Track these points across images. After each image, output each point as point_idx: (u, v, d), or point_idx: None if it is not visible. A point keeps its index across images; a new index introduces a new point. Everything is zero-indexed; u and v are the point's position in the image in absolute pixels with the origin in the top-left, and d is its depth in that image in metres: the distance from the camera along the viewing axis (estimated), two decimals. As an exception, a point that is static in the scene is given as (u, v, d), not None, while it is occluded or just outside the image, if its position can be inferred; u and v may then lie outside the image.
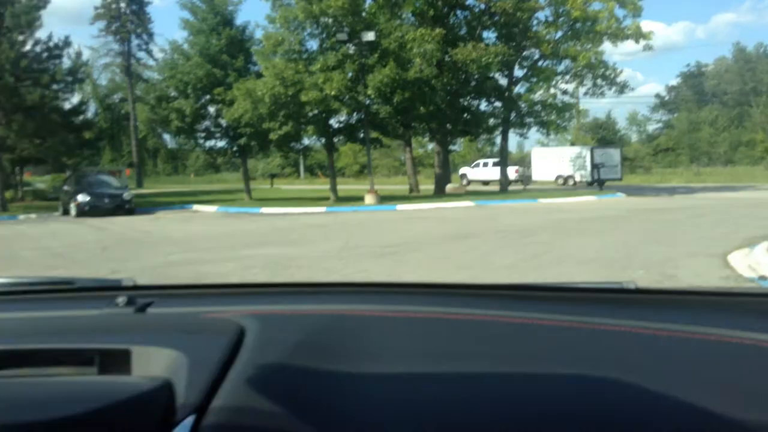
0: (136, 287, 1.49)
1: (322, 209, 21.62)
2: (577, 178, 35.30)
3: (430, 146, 44.47)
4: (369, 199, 23.16)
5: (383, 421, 0.76)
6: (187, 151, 53.22)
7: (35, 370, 0.92)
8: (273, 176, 54.64)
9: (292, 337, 0.99)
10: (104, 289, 1.52)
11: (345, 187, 35.42)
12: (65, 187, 23.69)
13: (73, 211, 20.96)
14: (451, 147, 34.39)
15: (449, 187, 29.51)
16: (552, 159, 38.18)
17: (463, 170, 44.40)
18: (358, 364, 0.89)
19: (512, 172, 36.16)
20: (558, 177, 37.14)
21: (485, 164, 40.91)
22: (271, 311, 1.23)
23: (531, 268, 8.26)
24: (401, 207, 21.61)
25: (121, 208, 21.25)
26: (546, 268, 8.17)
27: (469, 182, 40.57)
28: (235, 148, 27.94)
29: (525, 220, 15.34)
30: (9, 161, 28.39)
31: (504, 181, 31.12)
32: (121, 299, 1.23)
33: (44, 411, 0.64)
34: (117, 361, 0.92)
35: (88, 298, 1.46)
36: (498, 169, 32.10)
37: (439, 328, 1.11)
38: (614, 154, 35.32)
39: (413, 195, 28.61)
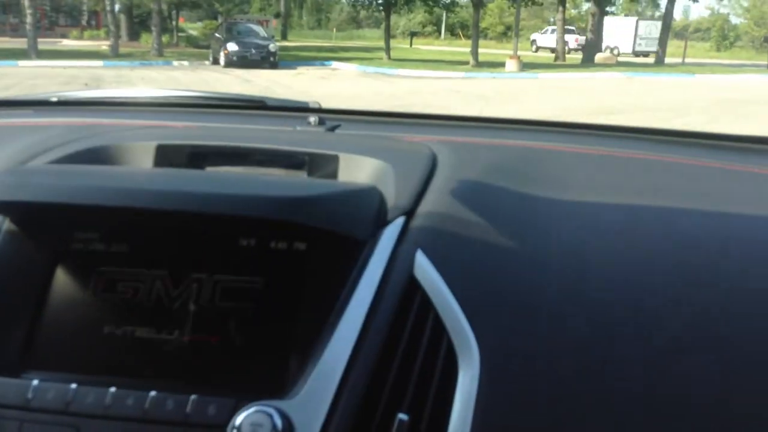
0: (323, 110, 1.56)
1: (461, 74, 21.08)
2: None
3: (585, 7, 41.36)
4: (511, 65, 22.23)
5: (577, 249, 0.80)
6: (333, 3, 52.79)
7: (249, 169, 1.00)
8: (413, 34, 53.37)
9: (485, 161, 1.04)
10: (293, 110, 1.61)
11: (486, 50, 34.10)
12: (216, 35, 24.46)
13: (222, 60, 21.80)
14: (609, 8, 31.61)
15: (599, 57, 27.56)
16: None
17: (533, 36, 42.72)
18: (550, 190, 0.93)
19: (572, 40, 33.73)
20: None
21: (553, 31, 37.99)
22: (461, 140, 1.28)
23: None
24: (544, 75, 20.61)
25: (266, 60, 21.78)
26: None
27: (539, 48, 39.41)
28: (380, 0, 27.33)
29: (677, 97, 14.20)
30: (166, 4, 29.04)
31: (661, 54, 28.55)
32: (313, 119, 1.30)
33: (258, 206, 0.70)
34: (326, 166, 0.98)
35: (279, 117, 1.56)
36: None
37: (626, 165, 1.15)
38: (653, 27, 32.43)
39: (559, 63, 27.08)
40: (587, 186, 0.99)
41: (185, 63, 22.85)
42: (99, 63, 20.16)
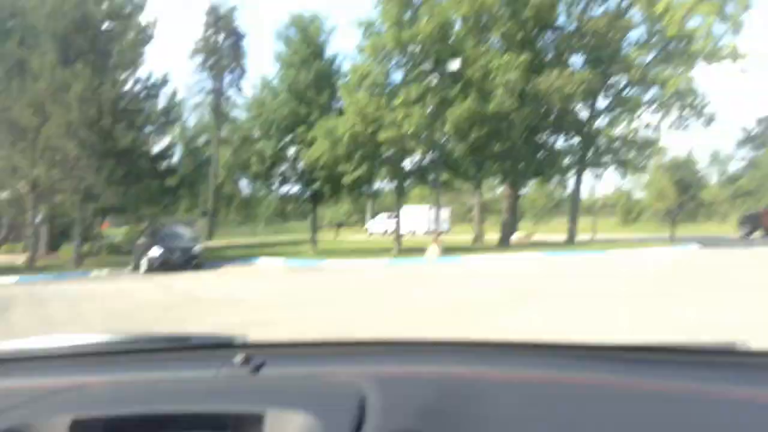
0: (248, 345, 1.54)
1: (385, 262, 21.53)
2: None
3: (499, 191, 44.14)
4: (433, 250, 22.94)
5: None
6: (260, 199, 54.33)
7: None
8: (340, 225, 55.07)
9: (413, 402, 1.02)
10: (218, 347, 1.58)
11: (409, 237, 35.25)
12: (140, 240, 24.40)
13: (143, 266, 21.57)
14: (521, 190, 33.85)
15: (516, 237, 28.91)
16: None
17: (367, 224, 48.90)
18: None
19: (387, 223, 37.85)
20: None
21: (390, 216, 42.58)
22: (389, 374, 1.25)
23: (601, 332, 7.83)
24: (465, 259, 21.29)
25: (189, 263, 21.74)
26: (618, 332, 7.73)
27: (371, 234, 43.88)
28: (307, 194, 28.43)
29: (594, 276, 14.78)
30: (91, 211, 28.66)
31: (572, 231, 30.24)
32: (238, 358, 1.30)
33: None
34: (250, 425, 0.95)
35: (202, 357, 1.52)
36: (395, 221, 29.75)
37: (554, 392, 1.11)
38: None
39: (478, 246, 28.19)
40: (521, 421, 0.97)
41: (104, 272, 22.38)
42: (14, 279, 19.67)
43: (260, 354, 1.36)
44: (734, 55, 26.30)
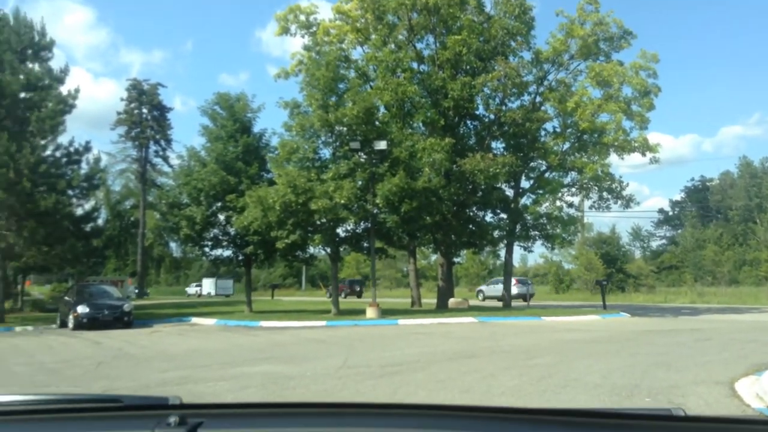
0: (183, 406, 1.49)
1: (323, 323, 21.34)
2: None
3: (434, 258, 44.81)
4: (371, 312, 22.92)
5: None
6: (192, 260, 53.35)
7: None
8: (274, 287, 54.46)
9: None
10: (152, 408, 1.53)
11: (347, 299, 35.05)
12: (66, 297, 23.52)
13: (71, 323, 20.70)
14: (455, 259, 34.49)
15: (452, 302, 29.23)
16: None
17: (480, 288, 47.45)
18: None
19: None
20: None
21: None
22: None
23: (536, 392, 7.99)
24: (403, 321, 21.33)
25: (119, 320, 20.98)
26: (551, 393, 7.91)
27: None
28: (240, 257, 27.99)
29: (529, 340, 15.08)
30: (13, 269, 27.92)
31: (507, 297, 30.90)
32: (173, 419, 1.23)
33: None
34: None
35: (136, 417, 1.46)
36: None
37: None
38: None
39: (416, 309, 28.32)
40: None
41: (29, 328, 21.44)
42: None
43: (196, 415, 1.31)
44: (644, 148, 28.25)
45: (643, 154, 28.65)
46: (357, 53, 30.61)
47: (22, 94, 24.10)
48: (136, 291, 47.11)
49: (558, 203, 29.83)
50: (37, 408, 1.57)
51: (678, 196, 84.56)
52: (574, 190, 31.06)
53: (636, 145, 28.29)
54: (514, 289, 35.92)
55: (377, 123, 24.57)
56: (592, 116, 27.38)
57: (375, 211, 23.47)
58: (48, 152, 25.30)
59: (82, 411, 1.54)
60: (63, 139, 26.15)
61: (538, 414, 1.43)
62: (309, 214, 22.09)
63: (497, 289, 40.56)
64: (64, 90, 25.11)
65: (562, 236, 29.74)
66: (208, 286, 58.10)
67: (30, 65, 25.02)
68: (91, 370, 10.68)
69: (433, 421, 1.39)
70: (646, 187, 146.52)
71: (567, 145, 29.64)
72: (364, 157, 23.67)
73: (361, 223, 24.59)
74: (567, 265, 58.87)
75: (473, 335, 16.85)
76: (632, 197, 30.92)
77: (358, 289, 51.59)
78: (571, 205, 31.80)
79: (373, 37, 29.22)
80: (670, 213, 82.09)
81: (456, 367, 10.44)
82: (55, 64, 25.07)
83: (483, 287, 47.07)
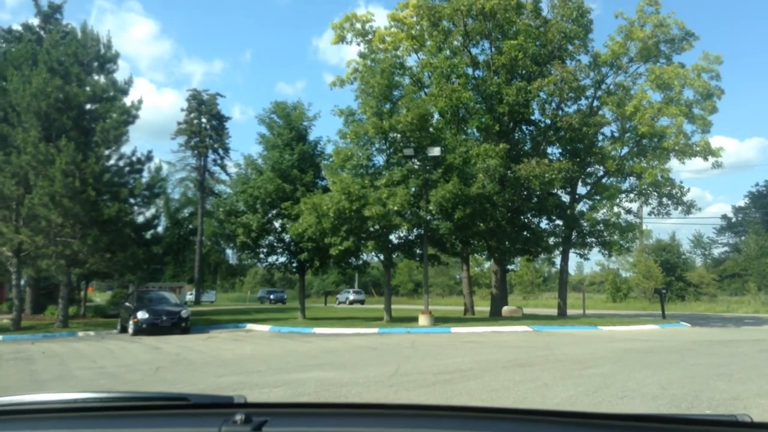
0: (247, 404, 1.54)
1: (375, 330, 21.35)
2: None
3: (487, 265, 44.36)
4: (423, 320, 22.82)
5: None
6: (247, 267, 54.22)
7: None
8: (327, 293, 54.82)
9: None
10: (217, 406, 1.58)
11: (398, 306, 35.00)
12: (126, 303, 24.20)
13: (131, 328, 21.29)
14: (509, 266, 34.07)
15: (506, 310, 28.85)
16: None
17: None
18: None
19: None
20: None
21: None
22: None
23: (592, 403, 7.77)
24: (456, 330, 21.16)
25: (177, 326, 21.49)
26: (607, 403, 7.69)
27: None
28: (294, 264, 28.29)
29: (585, 350, 14.72)
30: (76, 276, 28.80)
31: (562, 305, 30.28)
32: (239, 417, 1.28)
33: None
34: None
35: (203, 415, 1.52)
36: None
37: None
38: None
39: (468, 317, 28.07)
40: None
41: (91, 333, 22.14)
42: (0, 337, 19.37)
43: (261, 414, 1.35)
44: (706, 152, 27.29)
45: (705, 159, 27.76)
46: (412, 60, 30.75)
47: (88, 106, 24.94)
48: (191, 297, 48.22)
49: (616, 209, 29.18)
50: (105, 405, 1.63)
51: (742, 202, 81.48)
52: (632, 195, 30.35)
53: (697, 149, 27.42)
54: (352, 296, 49.17)
55: (431, 129, 24.54)
56: (652, 120, 26.67)
57: (428, 217, 23.39)
58: (112, 162, 26.03)
59: (150, 408, 1.59)
60: (126, 149, 27.10)
61: (588, 418, 1.40)
62: (362, 220, 22.19)
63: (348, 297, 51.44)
64: (128, 101, 25.86)
65: (619, 243, 29.01)
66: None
67: (96, 77, 25.83)
68: (150, 375, 10.95)
69: (491, 425, 1.41)
70: (709, 192, 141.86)
71: (625, 150, 28.96)
72: (418, 163, 23.66)
73: (414, 230, 24.57)
74: (624, 273, 57.42)
75: (527, 344, 16.55)
76: (693, 203, 29.99)
77: (281, 299, 52.17)
78: (629, 211, 31.10)
79: (429, 43, 29.25)
80: (733, 219, 79.06)
81: (510, 377, 10.25)
82: (120, 75, 26.00)
83: (339, 295, 54.58)
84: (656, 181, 27.80)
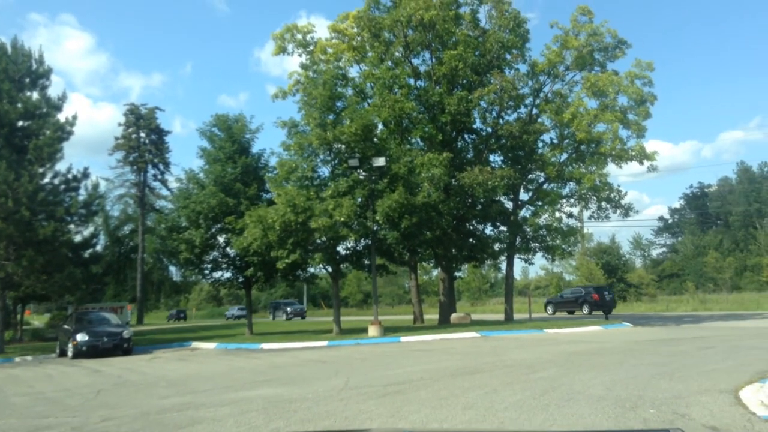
0: None
1: (324, 343, 21.22)
2: None
3: (435, 273, 44.69)
4: (373, 330, 22.81)
5: None
6: (192, 284, 53.15)
7: None
8: (275, 308, 54.19)
9: None
10: None
11: (348, 318, 34.85)
12: (65, 326, 23.39)
13: (70, 351, 20.58)
14: (456, 274, 34.41)
15: (454, 317, 29.11)
16: None
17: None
18: None
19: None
20: None
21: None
22: None
23: (539, 406, 7.89)
24: (405, 339, 21.21)
25: (119, 347, 20.87)
26: (555, 407, 7.81)
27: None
28: (240, 279, 27.86)
29: (531, 354, 14.96)
30: (12, 299, 27.72)
31: (509, 310, 30.76)
32: None
33: None
34: None
35: None
36: None
37: None
38: None
39: (418, 326, 28.19)
40: None
41: (28, 358, 21.32)
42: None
43: None
44: (641, 156, 28.28)
45: (641, 163, 28.74)
46: (354, 71, 30.82)
47: (20, 123, 24.13)
48: (138, 315, 46.73)
49: (557, 214, 29.87)
50: None
51: (677, 204, 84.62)
52: (573, 200, 31.12)
53: (633, 153, 28.35)
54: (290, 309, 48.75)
55: (375, 140, 24.61)
56: (589, 126, 27.46)
57: (375, 227, 23.41)
58: (46, 180, 25.10)
59: None
60: (61, 166, 26.15)
61: None
62: (309, 232, 22.03)
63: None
64: (62, 117, 25.10)
65: (562, 247, 29.66)
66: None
67: (28, 93, 25.01)
68: (91, 399, 10.57)
69: None
70: (646, 195, 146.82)
71: (564, 156, 29.69)
72: (363, 174, 23.69)
73: (362, 241, 24.54)
74: (568, 276, 58.80)
75: (475, 350, 16.72)
76: (631, 206, 30.96)
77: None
78: (570, 215, 31.89)
79: (370, 54, 29.41)
80: (670, 221, 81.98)
81: (459, 384, 10.33)
82: (54, 90, 25.04)
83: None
84: (595, 185, 28.60)
